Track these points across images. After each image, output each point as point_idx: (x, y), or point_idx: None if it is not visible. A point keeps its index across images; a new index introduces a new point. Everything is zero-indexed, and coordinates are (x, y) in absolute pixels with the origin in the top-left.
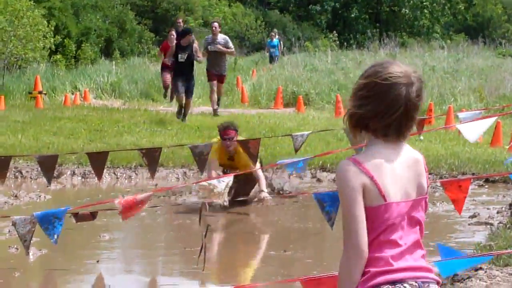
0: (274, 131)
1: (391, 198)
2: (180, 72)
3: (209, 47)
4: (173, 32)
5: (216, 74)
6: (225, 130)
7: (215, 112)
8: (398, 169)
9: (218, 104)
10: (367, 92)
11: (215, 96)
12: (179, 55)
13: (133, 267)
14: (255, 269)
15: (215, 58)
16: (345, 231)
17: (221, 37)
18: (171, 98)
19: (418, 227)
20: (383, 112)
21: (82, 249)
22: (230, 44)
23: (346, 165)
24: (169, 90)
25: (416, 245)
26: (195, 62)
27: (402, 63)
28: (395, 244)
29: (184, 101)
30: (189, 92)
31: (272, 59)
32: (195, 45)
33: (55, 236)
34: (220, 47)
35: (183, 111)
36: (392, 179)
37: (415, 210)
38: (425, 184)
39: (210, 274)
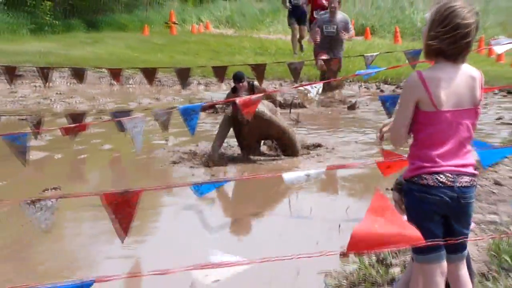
0: (348, 53)
1: (443, 107)
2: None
3: (324, 27)
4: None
5: (327, 53)
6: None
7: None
8: (455, 83)
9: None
10: (438, 26)
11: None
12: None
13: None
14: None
15: (330, 43)
16: (394, 119)
17: (340, 17)
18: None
19: (467, 131)
20: (456, 41)
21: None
22: (350, 26)
23: (412, 77)
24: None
25: (462, 145)
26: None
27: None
28: (442, 144)
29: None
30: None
31: None
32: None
33: (192, 127)
34: (344, 35)
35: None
36: (447, 91)
37: (465, 118)
38: (478, 97)
39: (301, 160)
